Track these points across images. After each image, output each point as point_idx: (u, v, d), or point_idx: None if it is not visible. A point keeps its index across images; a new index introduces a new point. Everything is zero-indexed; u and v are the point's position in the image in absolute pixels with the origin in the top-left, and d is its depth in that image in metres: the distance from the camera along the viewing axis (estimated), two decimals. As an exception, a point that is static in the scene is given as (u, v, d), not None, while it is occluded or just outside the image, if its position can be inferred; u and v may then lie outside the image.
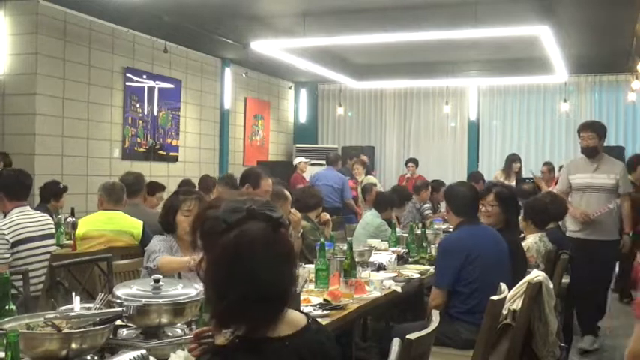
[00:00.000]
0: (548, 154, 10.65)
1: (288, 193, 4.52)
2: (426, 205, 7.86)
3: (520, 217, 4.63)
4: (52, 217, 4.86)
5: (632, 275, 5.31)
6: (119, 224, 4.37)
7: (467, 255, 3.44)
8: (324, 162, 9.86)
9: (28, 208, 4.05)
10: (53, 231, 4.12)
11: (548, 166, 9.17)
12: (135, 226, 4.40)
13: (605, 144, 10.16)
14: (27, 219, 3.92)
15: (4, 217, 3.93)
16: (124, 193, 4.64)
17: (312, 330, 1.31)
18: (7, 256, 3.76)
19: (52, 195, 5.91)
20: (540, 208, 4.69)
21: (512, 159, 9.25)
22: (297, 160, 10.10)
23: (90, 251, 3.91)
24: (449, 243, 3.64)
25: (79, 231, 4.37)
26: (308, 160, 10.13)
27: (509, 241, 3.68)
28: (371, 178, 9.31)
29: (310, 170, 9.75)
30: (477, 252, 3.45)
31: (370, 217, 5.87)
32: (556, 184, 8.83)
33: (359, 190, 8.51)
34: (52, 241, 4.06)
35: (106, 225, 4.37)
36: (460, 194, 3.67)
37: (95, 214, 4.58)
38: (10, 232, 3.78)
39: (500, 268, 3.48)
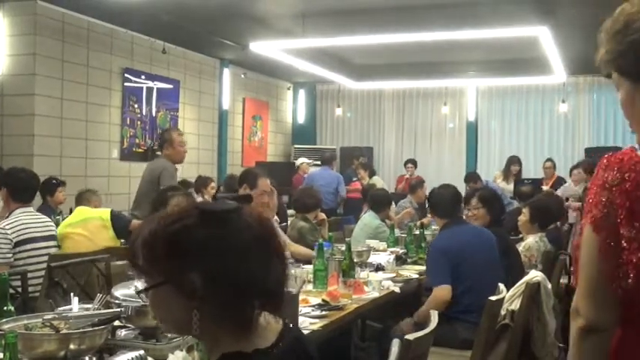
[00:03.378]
0: (546, 154, 10.63)
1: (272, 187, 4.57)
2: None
3: (523, 218, 4.66)
4: (52, 214, 4.94)
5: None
6: (84, 214, 4.53)
7: (455, 255, 3.50)
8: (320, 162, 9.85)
9: (31, 208, 4.07)
10: (55, 233, 4.13)
11: (551, 162, 9.15)
12: (102, 211, 4.58)
13: (602, 144, 10.09)
14: (30, 220, 3.94)
15: (7, 216, 3.95)
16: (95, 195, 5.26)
17: (290, 330, 1.28)
18: (10, 255, 3.77)
19: (46, 192, 6.01)
20: (545, 209, 4.72)
21: (511, 161, 9.28)
22: (299, 161, 10.08)
23: (88, 252, 3.91)
24: (437, 244, 3.70)
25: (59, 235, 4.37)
26: (310, 161, 10.11)
27: (498, 237, 3.76)
28: (376, 179, 9.29)
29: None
30: (463, 251, 3.51)
31: (368, 218, 5.87)
32: (555, 181, 8.87)
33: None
34: (54, 242, 4.07)
35: (73, 218, 4.52)
36: (440, 196, 3.82)
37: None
38: (14, 232, 3.80)
39: (491, 265, 3.53)
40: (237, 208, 1.19)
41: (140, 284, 1.21)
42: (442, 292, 3.47)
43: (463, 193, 10.33)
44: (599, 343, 1.27)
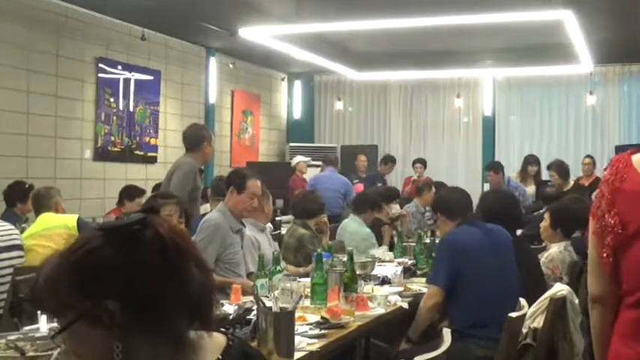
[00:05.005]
0: (572, 152, 10.65)
1: (266, 190, 4.58)
2: (427, 214, 7.75)
3: (544, 224, 4.65)
4: (17, 221, 4.89)
5: None
6: (47, 222, 4.51)
7: (462, 252, 3.53)
8: (319, 162, 9.82)
9: None
10: (19, 242, 4.10)
11: (591, 158, 9.10)
12: (67, 217, 4.54)
13: (634, 141, 10.05)
14: None
15: None
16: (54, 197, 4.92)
17: (236, 346, 1.27)
18: None
19: (17, 197, 5.90)
20: (569, 213, 4.70)
21: (528, 161, 9.22)
22: (295, 160, 10.03)
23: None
24: (447, 237, 3.75)
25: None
26: (308, 159, 10.05)
27: (516, 245, 3.80)
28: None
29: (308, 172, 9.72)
30: (472, 251, 3.55)
31: (353, 225, 5.85)
32: (594, 181, 8.82)
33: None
34: (17, 252, 4.05)
35: (35, 228, 4.51)
36: (451, 199, 3.92)
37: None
38: None
39: (504, 270, 3.56)
40: (142, 219, 1.19)
41: (52, 328, 1.19)
42: (430, 292, 3.57)
43: (479, 188, 10.19)
44: (602, 313, 1.74)
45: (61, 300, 1.16)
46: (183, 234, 1.23)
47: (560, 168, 8.17)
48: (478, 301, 3.44)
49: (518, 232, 4.70)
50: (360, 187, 9.08)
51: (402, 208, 7.31)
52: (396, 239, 5.51)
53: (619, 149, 9.83)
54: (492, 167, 8.72)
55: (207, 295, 1.22)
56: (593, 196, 6.81)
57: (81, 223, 4.42)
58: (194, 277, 1.19)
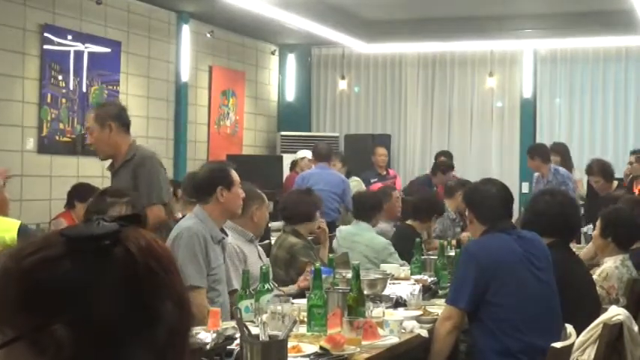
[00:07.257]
0: (631, 143, 10.65)
1: (261, 193, 4.59)
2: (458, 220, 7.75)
3: (595, 232, 4.68)
4: None
5: None
6: None
7: (489, 267, 3.55)
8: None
9: None
10: None
11: (638, 154, 9.07)
12: (8, 228, 4.44)
13: None
14: None
15: None
16: None
17: None
18: None
19: None
20: (625, 221, 4.72)
21: (551, 150, 9.09)
22: (300, 155, 9.98)
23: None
24: (471, 248, 3.80)
25: None
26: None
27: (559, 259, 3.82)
28: (356, 182, 9.27)
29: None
30: (501, 268, 3.57)
31: (368, 235, 5.86)
32: None
33: None
34: None
35: None
36: (485, 194, 3.89)
37: None
38: None
39: (545, 292, 3.58)
40: (116, 232, 1.18)
41: None
42: (446, 312, 3.63)
43: (517, 188, 10.04)
44: None
45: (1, 313, 1.16)
46: (164, 257, 1.21)
47: (603, 168, 7.95)
48: (509, 325, 3.46)
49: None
50: (378, 187, 9.09)
51: None
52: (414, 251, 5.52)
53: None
54: (536, 151, 8.64)
55: (178, 339, 1.21)
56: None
57: (23, 231, 4.39)
58: (164, 314, 1.18)
